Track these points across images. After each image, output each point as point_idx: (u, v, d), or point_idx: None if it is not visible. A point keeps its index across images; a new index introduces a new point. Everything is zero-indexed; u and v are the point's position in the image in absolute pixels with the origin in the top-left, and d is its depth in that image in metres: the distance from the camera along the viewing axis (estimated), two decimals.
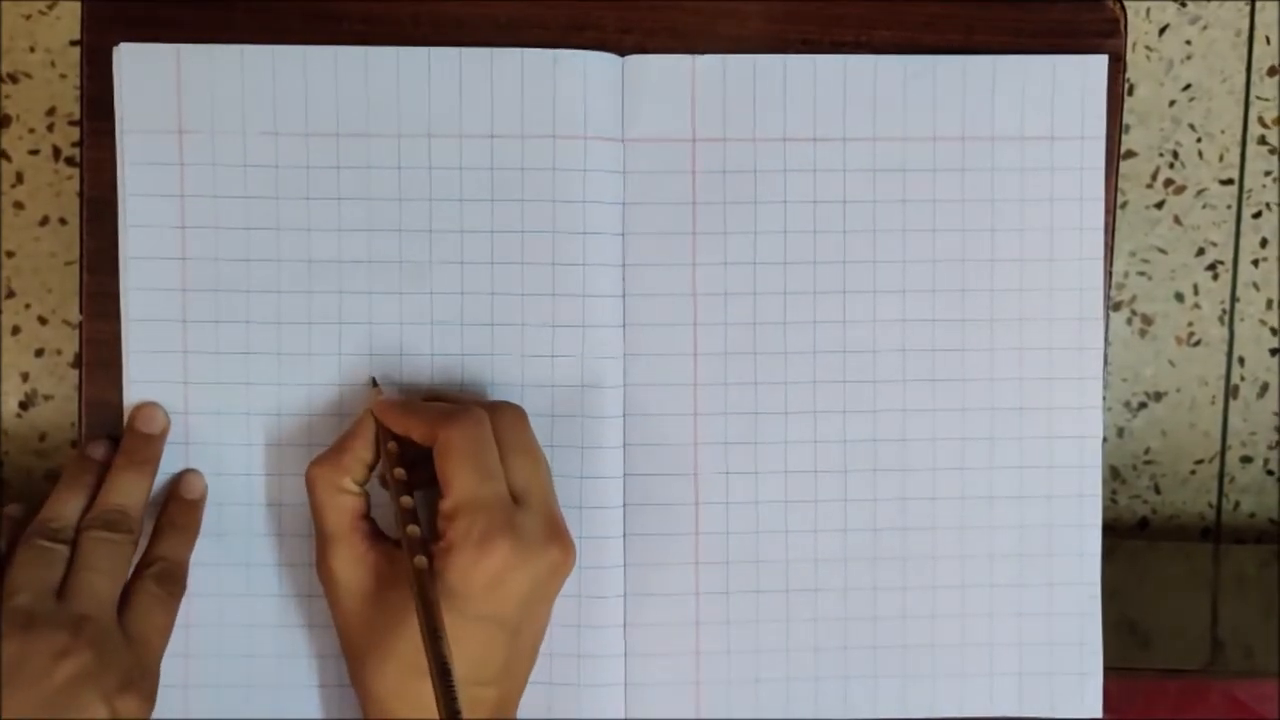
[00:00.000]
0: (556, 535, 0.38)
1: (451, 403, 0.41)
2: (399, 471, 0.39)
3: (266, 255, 0.43)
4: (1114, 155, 0.44)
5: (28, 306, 0.96)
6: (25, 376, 0.96)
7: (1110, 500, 0.93)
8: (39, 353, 0.96)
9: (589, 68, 0.43)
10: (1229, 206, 0.94)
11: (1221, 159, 0.94)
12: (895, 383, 0.44)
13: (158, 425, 0.43)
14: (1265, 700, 0.64)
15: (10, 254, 0.94)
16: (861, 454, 0.44)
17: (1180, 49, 0.93)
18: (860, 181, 0.44)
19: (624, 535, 0.44)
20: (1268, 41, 0.92)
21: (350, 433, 0.41)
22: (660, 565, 0.44)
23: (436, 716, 0.34)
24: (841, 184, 0.43)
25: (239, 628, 0.43)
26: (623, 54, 0.43)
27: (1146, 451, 0.95)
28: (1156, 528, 0.96)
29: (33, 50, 0.94)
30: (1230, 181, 0.93)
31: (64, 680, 0.36)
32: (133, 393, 0.43)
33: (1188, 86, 0.93)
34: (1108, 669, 0.46)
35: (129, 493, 0.41)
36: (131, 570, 0.40)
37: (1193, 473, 0.96)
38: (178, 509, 0.42)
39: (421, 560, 0.37)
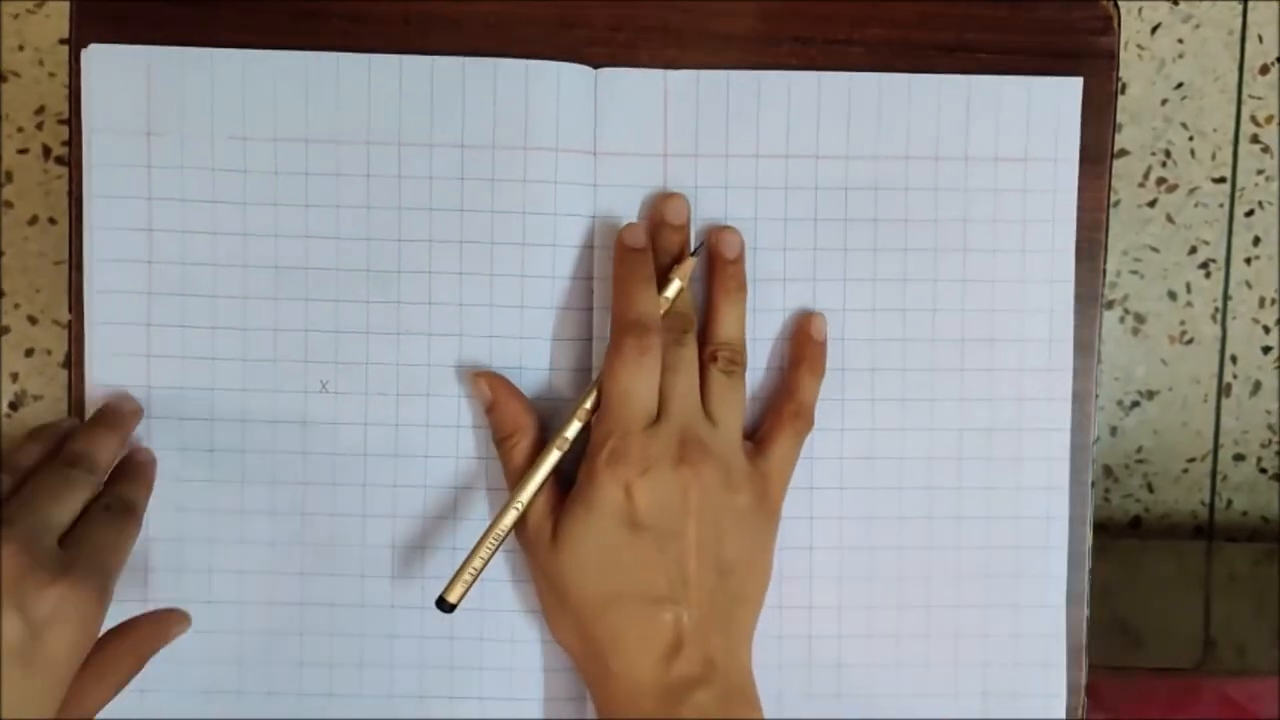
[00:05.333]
0: (687, 451, 0.39)
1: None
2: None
3: (233, 260, 0.43)
4: (1107, 154, 0.44)
5: (17, 306, 0.95)
6: (15, 377, 0.95)
7: (1103, 499, 0.93)
8: (29, 352, 0.96)
9: (562, 79, 0.42)
10: (1221, 205, 0.94)
11: (1214, 157, 0.94)
12: (864, 401, 0.44)
13: (130, 404, 0.43)
14: (1258, 698, 0.64)
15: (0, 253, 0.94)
16: (829, 471, 0.44)
17: (1172, 47, 0.93)
18: (832, 199, 0.43)
19: None
20: (1260, 40, 0.93)
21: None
22: None
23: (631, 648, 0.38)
24: (813, 201, 0.43)
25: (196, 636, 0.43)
26: (613, 51, 0.43)
27: (1139, 450, 0.95)
28: (1149, 526, 0.96)
29: (21, 49, 0.94)
30: (1223, 180, 0.93)
31: None
32: (96, 396, 0.43)
33: (1180, 85, 0.93)
34: (1100, 667, 0.45)
35: (97, 441, 0.40)
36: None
37: (1185, 471, 0.96)
38: (131, 463, 0.42)
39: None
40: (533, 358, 0.43)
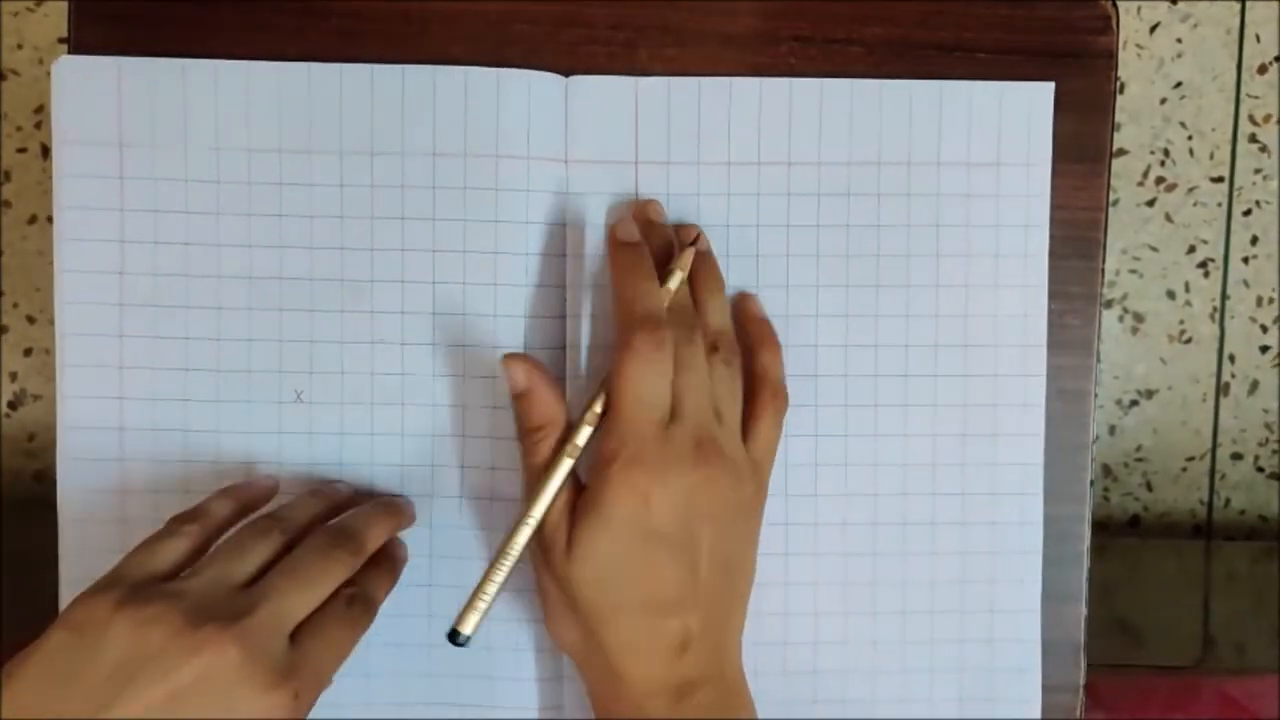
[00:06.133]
0: (703, 454, 0.37)
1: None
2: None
3: (206, 271, 0.43)
4: (1106, 153, 0.44)
5: (15, 306, 0.95)
6: (14, 376, 0.95)
7: (1102, 498, 0.93)
8: (27, 352, 0.96)
9: (533, 88, 0.42)
10: (1220, 204, 0.94)
11: (1212, 157, 0.94)
12: (838, 407, 0.44)
13: (407, 503, 0.43)
14: (1258, 697, 0.64)
15: None
16: (803, 478, 0.44)
17: (1171, 47, 0.92)
18: (804, 206, 0.43)
19: None
20: (1258, 39, 0.92)
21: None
22: None
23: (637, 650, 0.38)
24: (785, 208, 0.43)
25: None
26: (613, 51, 0.43)
27: (1138, 449, 0.95)
28: (1148, 525, 0.96)
29: (20, 48, 0.94)
30: (1221, 179, 0.93)
31: (191, 679, 0.33)
32: (67, 408, 0.43)
33: (1179, 84, 0.93)
34: (1099, 666, 0.45)
35: (372, 527, 0.40)
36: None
37: (1184, 470, 0.96)
38: (386, 557, 0.41)
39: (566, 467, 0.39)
40: None
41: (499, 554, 0.38)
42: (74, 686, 0.32)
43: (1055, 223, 0.44)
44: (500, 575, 0.38)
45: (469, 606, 0.37)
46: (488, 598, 0.37)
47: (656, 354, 0.37)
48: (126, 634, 0.33)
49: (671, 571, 0.37)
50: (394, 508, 0.42)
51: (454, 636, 0.37)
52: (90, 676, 0.32)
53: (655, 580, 0.37)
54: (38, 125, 0.96)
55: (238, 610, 0.34)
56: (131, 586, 0.34)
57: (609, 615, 0.38)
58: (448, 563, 0.43)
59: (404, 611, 0.43)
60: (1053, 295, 0.44)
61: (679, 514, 0.37)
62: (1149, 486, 0.94)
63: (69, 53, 0.43)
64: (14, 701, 0.32)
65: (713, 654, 0.38)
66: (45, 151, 0.93)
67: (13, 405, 0.97)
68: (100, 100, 0.42)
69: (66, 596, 0.43)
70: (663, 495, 0.37)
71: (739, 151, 0.43)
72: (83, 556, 0.43)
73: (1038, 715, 0.44)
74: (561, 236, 0.43)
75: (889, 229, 0.43)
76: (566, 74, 0.43)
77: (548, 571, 0.39)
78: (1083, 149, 0.44)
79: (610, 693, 0.39)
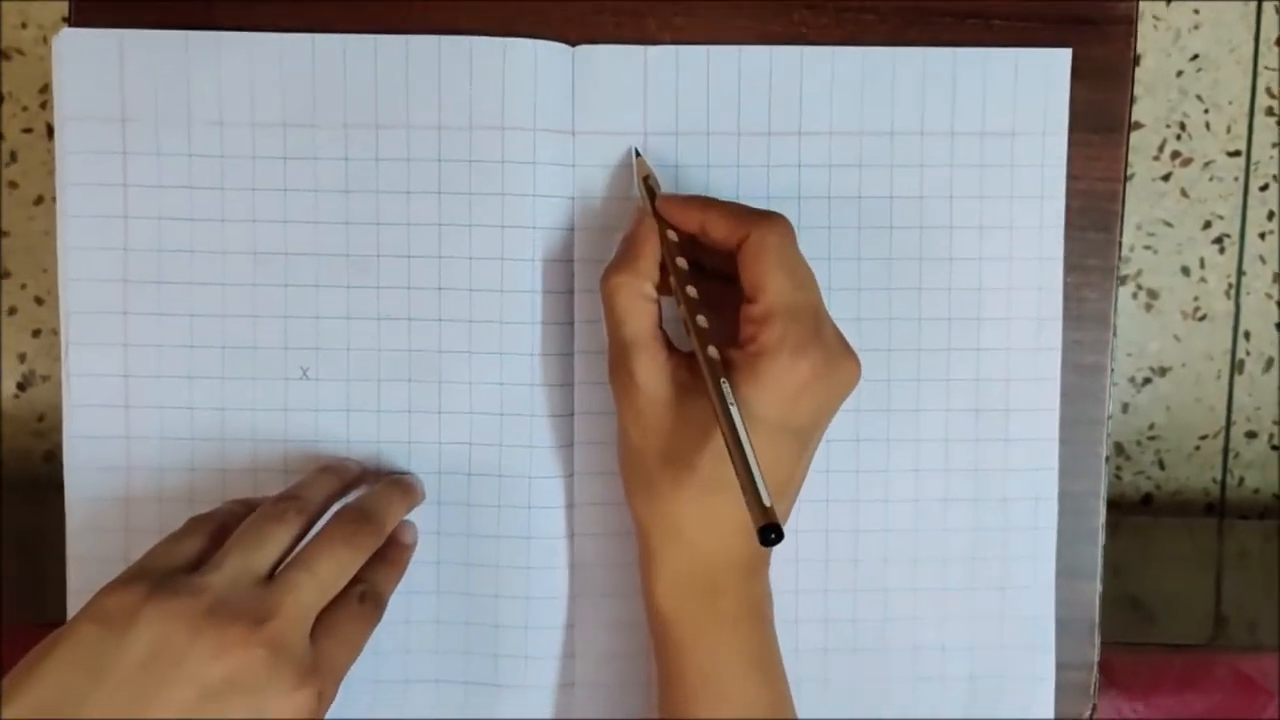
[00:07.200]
0: (849, 350, 0.37)
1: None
2: (681, 261, 0.38)
3: (211, 247, 0.42)
4: (1124, 123, 0.43)
5: (23, 287, 0.95)
6: (22, 357, 0.96)
7: (1114, 476, 0.92)
8: (36, 333, 0.96)
9: (539, 57, 0.42)
10: (1236, 179, 0.93)
11: (1229, 130, 0.93)
12: None
13: (419, 483, 0.43)
14: (1270, 674, 0.64)
15: (5, 234, 0.94)
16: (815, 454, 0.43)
17: (1188, 18, 0.91)
18: (815, 177, 0.43)
19: (570, 535, 0.43)
20: (1277, 11, 0.91)
21: (636, 238, 0.39)
22: (607, 566, 0.43)
23: (729, 534, 0.36)
24: (796, 180, 0.43)
25: None
26: (620, 21, 0.42)
27: (1151, 427, 0.95)
28: (1160, 503, 0.96)
29: (25, 26, 0.94)
30: (1238, 153, 0.92)
31: (219, 679, 0.33)
32: (73, 386, 0.43)
33: (1195, 57, 0.92)
34: (1111, 644, 0.45)
35: (389, 508, 0.40)
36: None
37: (1197, 448, 0.95)
38: (392, 547, 0.41)
39: (714, 351, 0.36)
40: (514, 343, 0.42)
41: (735, 437, 0.34)
42: (102, 679, 0.32)
43: (1071, 194, 0.43)
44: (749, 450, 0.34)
45: (757, 499, 0.33)
46: (760, 480, 0.33)
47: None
48: (153, 627, 0.33)
49: (790, 460, 0.37)
50: (407, 486, 0.42)
51: (770, 532, 0.32)
52: (118, 670, 0.32)
53: (775, 464, 0.36)
54: (43, 105, 0.95)
55: (263, 610, 0.34)
56: (157, 579, 0.34)
57: (723, 488, 0.36)
58: (455, 540, 0.43)
59: (412, 588, 0.43)
60: (1069, 268, 0.43)
61: (816, 409, 0.37)
62: (1161, 465, 0.94)
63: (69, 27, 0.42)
64: (41, 691, 0.32)
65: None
66: (51, 131, 0.92)
67: (21, 386, 0.97)
68: (102, 74, 0.42)
69: (74, 574, 0.43)
70: (815, 391, 0.36)
71: (749, 122, 0.42)
72: (89, 534, 0.43)
73: (1051, 692, 0.44)
74: (570, 209, 0.42)
75: (902, 200, 0.43)
76: (573, 43, 0.42)
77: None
78: (1100, 118, 0.43)
79: (678, 563, 0.38)
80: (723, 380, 0.35)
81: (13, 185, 0.97)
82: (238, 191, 0.42)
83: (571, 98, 0.42)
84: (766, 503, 0.32)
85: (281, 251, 0.42)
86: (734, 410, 0.34)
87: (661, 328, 0.38)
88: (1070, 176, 0.43)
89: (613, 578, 0.43)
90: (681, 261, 0.38)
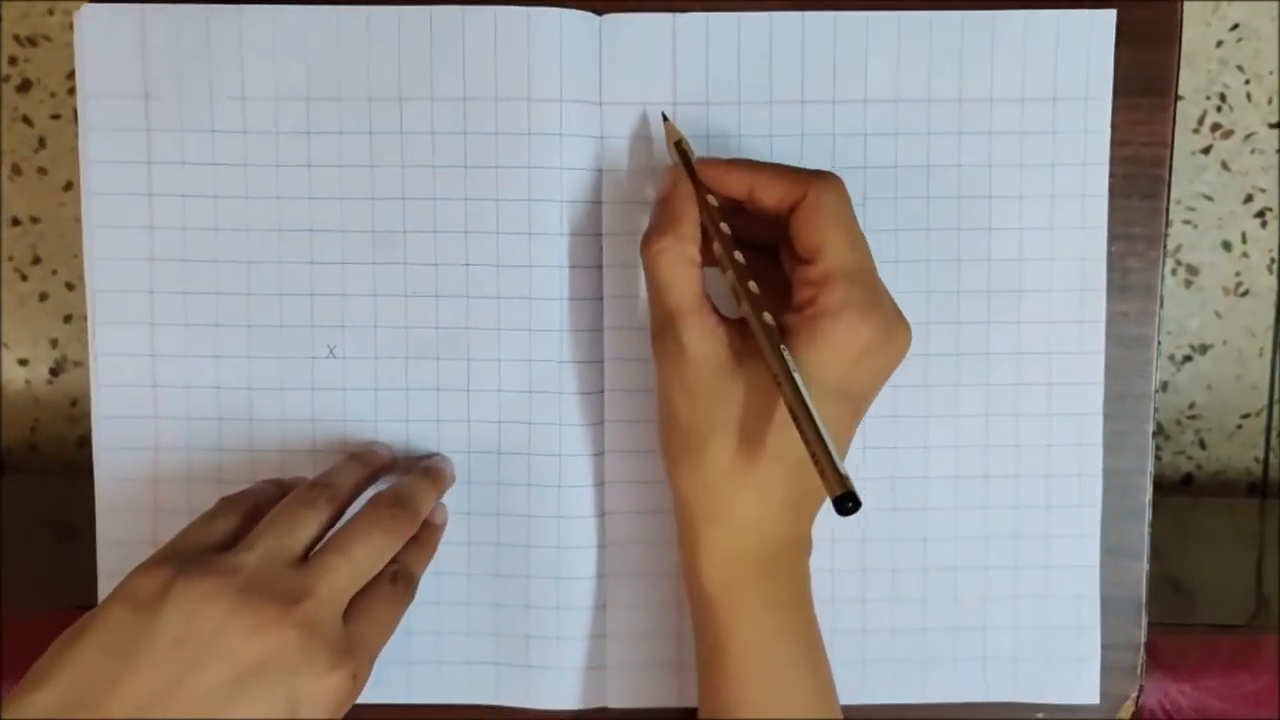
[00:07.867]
0: (903, 316, 0.37)
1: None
2: (724, 226, 0.37)
3: (235, 224, 0.42)
4: (1171, 86, 0.41)
5: (54, 272, 0.96)
6: (54, 343, 0.96)
7: (1154, 456, 0.91)
8: (67, 318, 0.97)
9: (565, 26, 0.41)
10: (1278, 151, 0.91)
11: (1270, 101, 0.91)
12: None
13: (450, 467, 0.42)
14: None
15: (35, 220, 0.94)
16: None
17: None
18: (850, 146, 0.41)
19: (600, 514, 0.43)
20: None
21: (674, 201, 0.37)
22: (639, 544, 0.43)
23: (782, 508, 0.36)
24: (830, 149, 0.41)
25: None
26: None
27: (1191, 406, 0.93)
28: (1201, 483, 0.94)
29: (52, 13, 0.94)
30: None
31: (254, 660, 0.32)
32: (101, 366, 0.42)
33: (1235, 26, 0.90)
34: (1154, 624, 0.44)
35: (423, 495, 0.39)
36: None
37: (1239, 427, 0.94)
38: (423, 528, 0.40)
39: (769, 317, 0.35)
40: (543, 319, 0.42)
41: (801, 404, 0.33)
42: (136, 660, 0.32)
43: (1116, 160, 0.42)
44: (819, 421, 0.33)
45: (832, 466, 0.32)
46: (834, 449, 0.32)
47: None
48: (183, 607, 0.32)
49: (845, 427, 0.36)
50: (438, 473, 0.41)
51: (847, 500, 0.31)
52: (151, 650, 0.32)
53: (832, 430, 0.34)
54: (70, 91, 0.95)
55: (297, 591, 0.34)
56: (187, 559, 0.34)
57: (781, 458, 0.36)
58: (485, 520, 0.42)
59: (442, 570, 0.42)
60: (1113, 237, 0.42)
61: (874, 373, 0.36)
62: (1202, 444, 0.92)
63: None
64: (75, 673, 0.32)
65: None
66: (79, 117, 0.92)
67: (54, 371, 0.97)
68: (124, 50, 0.41)
69: (104, 555, 0.43)
70: (874, 356, 0.35)
71: (781, 90, 0.41)
72: (119, 515, 0.43)
73: (1097, 674, 0.43)
74: (598, 182, 0.41)
75: (939, 169, 0.42)
76: (600, 12, 0.41)
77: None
78: (1146, 81, 0.41)
79: (725, 543, 0.37)
80: (782, 346, 0.34)
81: (42, 171, 0.98)
82: (261, 168, 0.42)
83: (599, 68, 0.41)
84: (842, 471, 0.31)
85: (306, 228, 0.42)
86: (797, 377, 0.33)
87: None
88: (1115, 143, 0.42)
89: (645, 556, 0.42)
90: (725, 226, 0.37)
